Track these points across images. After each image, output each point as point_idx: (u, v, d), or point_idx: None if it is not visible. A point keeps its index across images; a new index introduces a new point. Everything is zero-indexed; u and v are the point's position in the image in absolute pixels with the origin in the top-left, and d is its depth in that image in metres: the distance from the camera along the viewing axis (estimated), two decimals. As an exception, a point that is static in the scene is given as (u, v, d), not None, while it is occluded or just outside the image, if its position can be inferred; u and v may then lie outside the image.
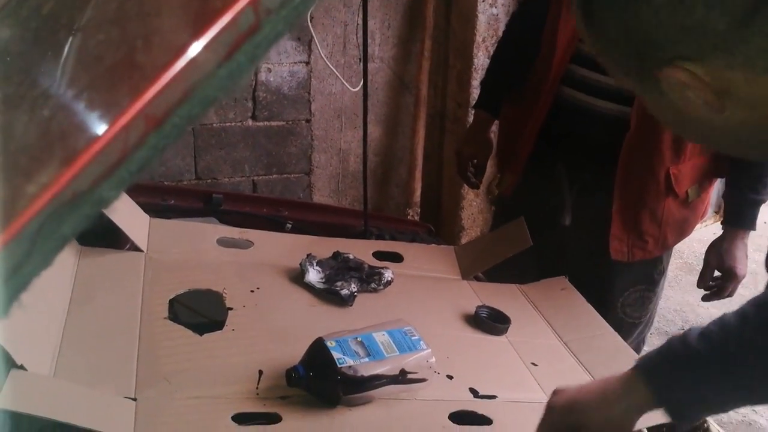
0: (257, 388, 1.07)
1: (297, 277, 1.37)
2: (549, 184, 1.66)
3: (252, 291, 1.31)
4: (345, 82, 2.59)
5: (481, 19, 2.58)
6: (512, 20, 1.87)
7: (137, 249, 1.34)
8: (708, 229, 2.86)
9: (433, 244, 1.69)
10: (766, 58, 0.50)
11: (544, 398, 1.19)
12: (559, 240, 1.68)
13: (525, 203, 1.67)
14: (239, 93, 2.46)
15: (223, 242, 1.45)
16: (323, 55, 2.52)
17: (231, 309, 1.24)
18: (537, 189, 1.67)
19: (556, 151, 1.63)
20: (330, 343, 1.08)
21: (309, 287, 1.35)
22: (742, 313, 0.86)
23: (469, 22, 2.60)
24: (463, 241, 2.75)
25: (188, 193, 1.76)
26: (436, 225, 2.36)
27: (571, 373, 1.28)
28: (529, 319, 1.43)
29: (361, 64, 2.36)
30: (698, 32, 0.50)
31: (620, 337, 1.39)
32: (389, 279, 1.41)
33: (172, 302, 1.23)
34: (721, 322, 0.86)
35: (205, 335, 1.16)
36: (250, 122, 2.52)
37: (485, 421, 1.11)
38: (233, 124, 2.49)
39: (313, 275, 1.36)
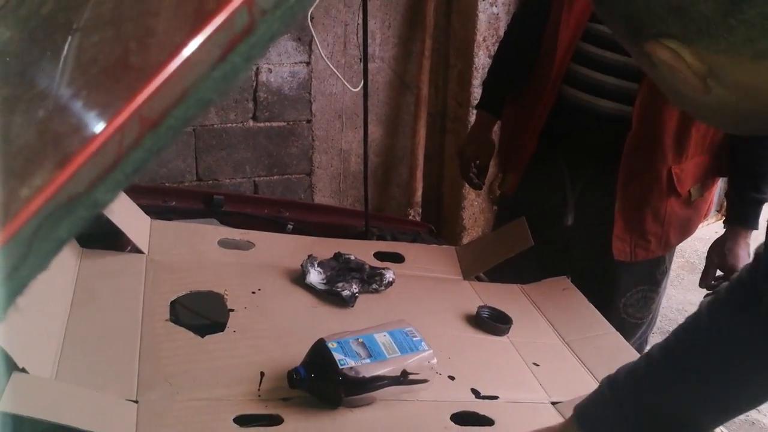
0: (259, 389, 1.06)
1: (298, 278, 1.37)
2: (551, 183, 1.66)
3: (253, 292, 1.31)
4: (346, 83, 2.59)
5: (482, 18, 2.58)
6: (514, 20, 1.87)
7: (138, 251, 1.33)
8: (710, 228, 2.86)
9: (435, 245, 1.69)
10: (752, 47, 0.49)
11: (546, 398, 1.20)
12: (561, 240, 1.68)
13: (527, 203, 1.66)
14: (240, 94, 2.46)
15: (225, 243, 1.45)
16: (324, 56, 2.52)
17: (232, 310, 1.24)
18: (539, 189, 1.67)
19: (558, 150, 1.63)
20: (331, 344, 1.07)
21: (310, 288, 1.35)
22: (647, 357, 0.89)
23: (470, 22, 2.60)
24: (465, 241, 2.75)
25: (189, 194, 1.76)
26: (438, 225, 2.36)
27: (573, 373, 1.27)
28: (531, 319, 1.43)
29: (362, 64, 2.36)
30: (684, 13, 0.49)
31: (622, 337, 1.39)
32: (390, 280, 1.41)
33: (173, 304, 1.22)
34: (627, 367, 0.91)
35: (207, 337, 1.16)
36: (251, 123, 2.52)
37: (487, 421, 1.11)
38: (234, 125, 2.49)
39: (315, 276, 1.36)
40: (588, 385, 1.12)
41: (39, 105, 0.40)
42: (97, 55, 0.39)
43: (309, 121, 2.61)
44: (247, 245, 1.47)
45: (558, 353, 1.33)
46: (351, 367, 1.05)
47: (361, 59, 2.55)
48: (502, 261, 1.54)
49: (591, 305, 1.47)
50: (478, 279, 1.57)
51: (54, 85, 0.41)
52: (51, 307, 1.12)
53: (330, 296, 1.33)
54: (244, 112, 2.49)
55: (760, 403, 0.86)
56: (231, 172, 2.55)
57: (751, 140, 1.51)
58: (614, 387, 0.90)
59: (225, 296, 1.27)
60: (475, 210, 2.84)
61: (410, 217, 2.72)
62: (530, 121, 1.63)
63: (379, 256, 1.53)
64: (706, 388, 0.84)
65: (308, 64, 2.53)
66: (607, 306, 1.56)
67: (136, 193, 1.45)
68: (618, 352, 1.32)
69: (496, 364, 1.27)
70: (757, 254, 0.86)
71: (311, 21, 2.44)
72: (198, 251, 1.40)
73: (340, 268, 1.40)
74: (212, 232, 1.48)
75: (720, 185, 1.81)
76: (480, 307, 1.38)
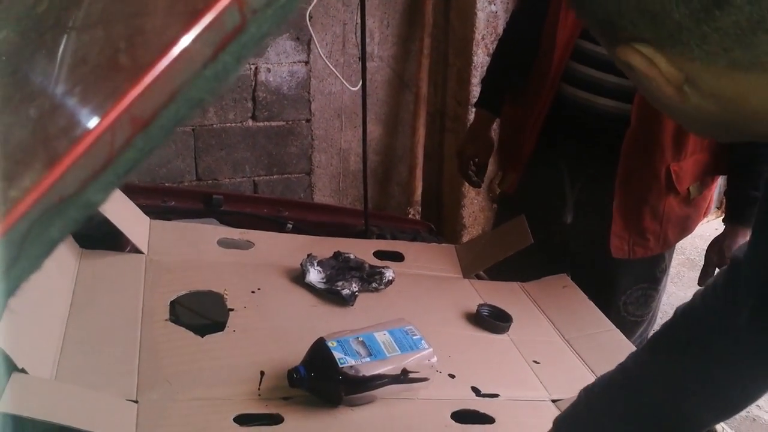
0: (259, 389, 1.07)
1: (298, 277, 1.37)
2: (550, 181, 1.66)
3: (253, 292, 1.31)
4: (344, 82, 2.59)
5: (480, 17, 2.57)
6: (512, 18, 1.87)
7: (138, 251, 1.33)
8: (710, 225, 2.86)
9: (434, 243, 1.69)
10: (726, 56, 0.47)
11: (547, 396, 1.20)
12: (561, 238, 1.67)
13: (527, 201, 1.66)
14: (239, 94, 2.46)
15: (224, 243, 1.45)
16: (322, 55, 2.52)
17: (232, 310, 1.24)
18: (539, 187, 1.67)
19: (558, 148, 1.63)
20: (331, 343, 1.07)
21: (310, 287, 1.35)
22: (623, 367, 0.88)
23: (468, 20, 2.60)
24: (465, 239, 2.75)
25: (188, 194, 1.76)
26: (437, 224, 2.36)
27: (573, 371, 1.27)
28: (531, 317, 1.43)
29: (360, 63, 2.36)
30: (656, 19, 0.47)
31: (623, 335, 1.39)
32: (390, 278, 1.41)
33: (173, 304, 1.22)
34: (603, 378, 0.90)
35: (207, 336, 1.16)
36: (250, 123, 2.52)
37: (487, 419, 1.11)
38: (233, 124, 2.49)
39: (314, 275, 1.36)
40: (588, 383, 1.12)
41: (30, 105, 0.40)
42: (87, 54, 0.39)
43: (308, 121, 2.61)
44: (246, 245, 1.47)
45: (558, 351, 1.33)
46: (351, 366, 1.05)
47: (359, 58, 2.55)
48: (502, 259, 1.54)
49: (591, 303, 1.47)
50: (478, 277, 1.57)
51: (45, 85, 0.41)
52: (51, 308, 1.12)
53: (330, 295, 1.33)
54: (243, 112, 2.49)
55: (740, 410, 0.85)
56: (230, 172, 2.55)
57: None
58: (590, 398, 0.89)
59: (225, 296, 1.27)
60: (474, 208, 2.84)
61: (410, 216, 2.71)
62: (529, 119, 1.63)
63: (379, 254, 1.53)
64: (683, 400, 0.83)
65: (307, 63, 2.53)
66: (607, 304, 1.56)
67: (135, 193, 1.45)
68: (618, 350, 1.32)
69: (497, 362, 1.27)
70: (733, 260, 0.82)
71: (310, 20, 2.44)
72: (197, 251, 1.40)
73: (340, 267, 1.40)
74: (212, 231, 1.48)
75: (720, 182, 1.81)
76: (480, 305, 1.38)
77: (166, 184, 2.40)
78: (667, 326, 0.87)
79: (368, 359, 1.08)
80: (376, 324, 1.16)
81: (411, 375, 1.11)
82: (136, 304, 1.20)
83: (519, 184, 1.70)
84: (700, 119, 0.53)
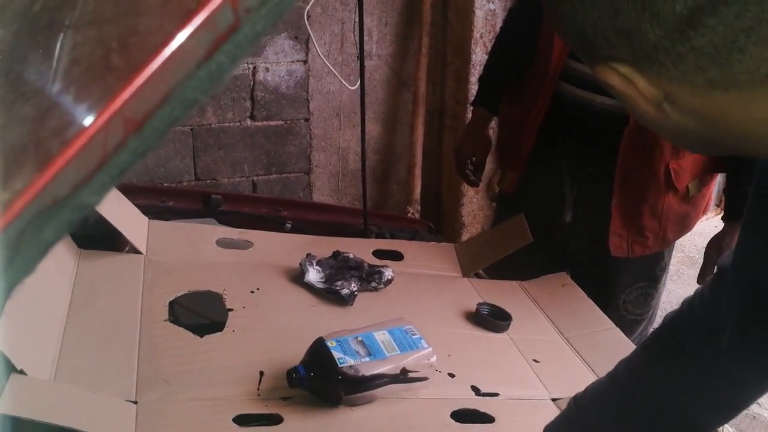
0: (258, 389, 1.06)
1: (297, 277, 1.37)
2: (549, 180, 1.65)
3: (252, 291, 1.31)
4: (343, 81, 2.59)
5: (479, 15, 2.57)
6: (509, 16, 1.86)
7: (136, 251, 1.33)
8: (709, 223, 2.86)
9: (434, 242, 1.69)
10: (703, 75, 0.46)
11: (547, 395, 1.20)
12: (560, 237, 1.67)
13: (526, 200, 1.66)
14: (237, 93, 2.45)
15: (223, 243, 1.45)
16: (321, 54, 2.52)
17: (231, 310, 1.24)
18: (538, 186, 1.67)
19: (557, 147, 1.63)
20: (330, 343, 1.07)
21: (309, 287, 1.35)
22: (612, 376, 0.88)
23: (467, 18, 2.59)
24: (464, 238, 2.75)
25: (187, 194, 1.76)
26: (437, 222, 2.36)
27: (573, 369, 1.27)
28: (531, 315, 1.43)
29: (359, 62, 2.36)
30: (632, 38, 0.46)
31: (622, 333, 1.39)
32: (389, 277, 1.41)
33: (172, 304, 1.22)
34: (593, 386, 0.90)
35: (206, 337, 1.16)
36: (248, 122, 2.51)
37: (487, 419, 1.11)
38: (232, 124, 2.49)
39: (313, 275, 1.36)
40: (588, 382, 1.12)
41: (22, 106, 0.39)
42: (80, 55, 0.39)
43: (307, 120, 2.61)
44: (245, 244, 1.47)
45: (558, 350, 1.33)
46: (350, 366, 1.05)
47: (358, 57, 2.55)
48: (501, 258, 1.54)
49: (591, 301, 1.47)
50: (478, 276, 1.57)
51: (38, 85, 0.41)
52: (49, 309, 1.12)
53: (329, 295, 1.33)
54: (242, 112, 2.49)
55: (736, 413, 0.85)
56: (229, 172, 2.55)
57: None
58: (580, 406, 0.89)
59: (224, 296, 1.27)
60: (474, 207, 2.84)
61: (409, 215, 2.71)
62: (528, 118, 1.63)
63: (378, 254, 1.53)
64: (677, 405, 0.83)
65: (305, 62, 2.53)
66: (607, 303, 1.56)
67: (133, 193, 1.45)
68: (618, 348, 1.32)
69: (496, 361, 1.27)
70: (719, 269, 0.82)
71: (308, 19, 2.44)
72: (196, 251, 1.40)
73: (339, 267, 1.40)
74: (210, 231, 1.48)
75: (719, 180, 1.80)
76: (479, 304, 1.38)
77: (165, 184, 2.40)
78: (656, 334, 0.87)
79: (368, 359, 1.07)
80: (376, 323, 1.16)
81: (410, 374, 1.11)
82: (134, 305, 1.19)
83: (518, 183, 1.70)
84: (682, 135, 0.53)
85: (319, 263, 1.38)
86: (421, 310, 1.33)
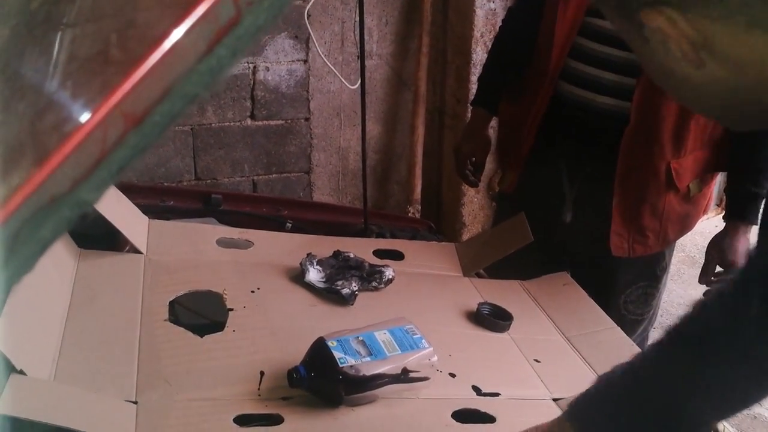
0: (259, 389, 1.06)
1: (297, 276, 1.37)
2: (549, 180, 1.65)
3: (252, 291, 1.30)
4: (343, 80, 2.58)
5: (479, 14, 2.57)
6: (508, 15, 1.86)
7: (136, 251, 1.33)
8: (710, 222, 2.85)
9: (434, 242, 1.69)
10: (748, 12, 0.48)
11: (548, 395, 1.19)
12: (560, 236, 1.67)
13: (526, 199, 1.66)
14: (237, 92, 2.45)
15: (223, 243, 1.45)
16: (321, 53, 2.52)
17: (231, 310, 1.23)
18: (538, 185, 1.67)
19: (556, 147, 1.63)
20: (331, 343, 1.07)
21: (309, 287, 1.35)
22: (659, 346, 0.88)
23: (467, 18, 2.59)
24: (465, 237, 2.75)
25: (187, 193, 1.76)
26: (437, 222, 2.36)
27: (574, 369, 1.27)
28: (532, 315, 1.42)
29: (359, 61, 2.35)
30: None
31: (623, 333, 1.38)
32: (390, 277, 1.40)
33: (172, 304, 1.22)
34: (623, 365, 0.89)
35: (206, 336, 1.15)
36: (248, 122, 2.51)
37: (488, 419, 1.11)
38: (232, 123, 2.49)
39: (314, 274, 1.35)
40: (589, 381, 1.12)
41: (20, 102, 0.39)
42: (78, 49, 0.39)
43: (307, 119, 2.61)
44: (245, 244, 1.47)
45: (559, 349, 1.33)
46: (351, 366, 1.05)
47: (358, 56, 2.55)
48: (502, 257, 1.54)
49: (591, 301, 1.46)
50: (478, 275, 1.56)
51: (36, 81, 0.40)
52: (49, 309, 1.11)
53: (329, 294, 1.33)
54: (242, 111, 2.48)
55: (758, 401, 0.85)
56: (229, 171, 2.54)
57: (749, 134, 1.50)
58: (610, 384, 0.89)
59: (224, 295, 1.27)
60: (474, 206, 2.84)
61: (409, 214, 2.71)
62: (528, 118, 1.63)
63: (379, 253, 1.53)
64: (702, 386, 0.83)
65: (306, 62, 2.52)
66: (608, 303, 1.56)
67: (133, 192, 1.44)
68: (619, 348, 1.32)
69: (497, 360, 1.27)
70: (749, 257, 0.85)
71: (308, 19, 2.44)
72: (196, 251, 1.40)
73: (340, 266, 1.39)
74: (211, 231, 1.48)
75: (720, 179, 1.80)
76: (480, 304, 1.38)
77: (165, 184, 2.40)
78: (685, 319, 0.87)
79: (368, 359, 1.07)
80: (376, 323, 1.16)
81: (411, 374, 1.10)
82: (135, 305, 1.19)
83: (518, 183, 1.70)
84: (711, 91, 0.54)
85: (319, 263, 1.38)
86: (421, 310, 1.33)
